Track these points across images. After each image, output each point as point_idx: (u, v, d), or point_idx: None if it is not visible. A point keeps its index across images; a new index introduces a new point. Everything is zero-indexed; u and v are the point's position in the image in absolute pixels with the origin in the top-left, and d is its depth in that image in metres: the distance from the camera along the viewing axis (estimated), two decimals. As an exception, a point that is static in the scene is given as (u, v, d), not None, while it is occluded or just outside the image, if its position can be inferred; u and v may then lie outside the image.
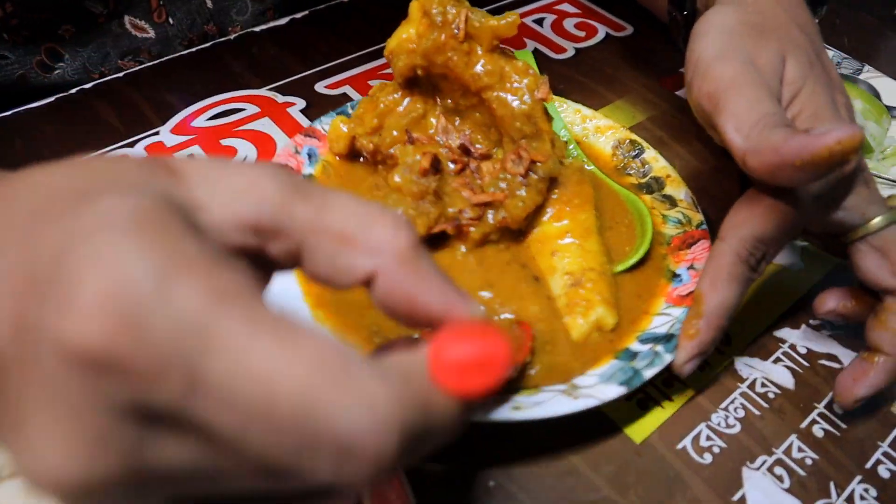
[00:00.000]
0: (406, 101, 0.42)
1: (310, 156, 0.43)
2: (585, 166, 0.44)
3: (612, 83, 0.55)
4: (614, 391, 0.32)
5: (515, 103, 0.39)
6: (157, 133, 0.48)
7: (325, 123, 0.45)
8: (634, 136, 0.47)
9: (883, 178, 0.46)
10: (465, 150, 0.40)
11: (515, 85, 0.39)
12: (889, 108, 0.52)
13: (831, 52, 0.58)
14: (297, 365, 0.15)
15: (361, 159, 0.43)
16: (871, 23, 0.68)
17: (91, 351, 0.14)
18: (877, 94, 0.53)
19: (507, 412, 0.30)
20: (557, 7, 0.64)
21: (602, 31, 0.61)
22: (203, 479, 0.16)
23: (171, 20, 0.56)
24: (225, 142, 0.47)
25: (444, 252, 0.38)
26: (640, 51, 0.59)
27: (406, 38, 0.39)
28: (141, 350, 0.14)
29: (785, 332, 0.39)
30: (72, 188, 0.16)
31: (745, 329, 0.38)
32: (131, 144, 0.47)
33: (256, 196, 0.19)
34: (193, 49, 0.55)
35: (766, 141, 0.29)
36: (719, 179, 0.47)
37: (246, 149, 0.47)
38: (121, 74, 0.52)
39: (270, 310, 0.16)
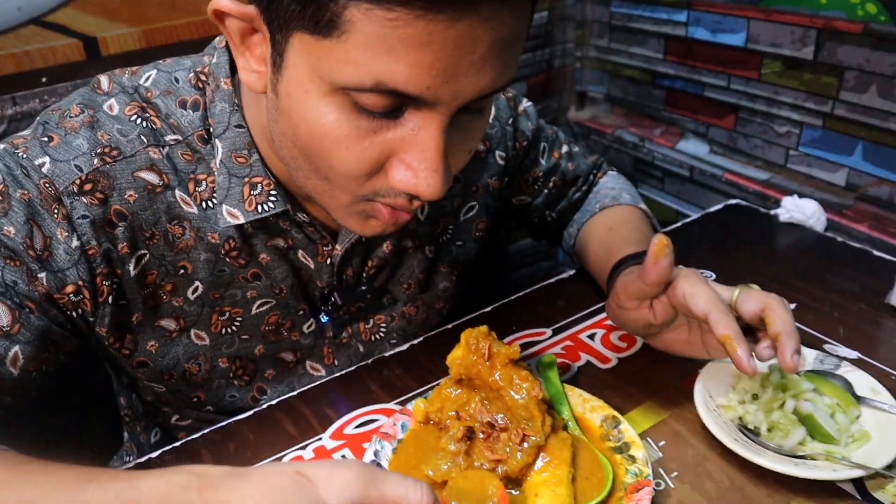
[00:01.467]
0: (457, 391, 0.65)
1: (403, 426, 0.66)
2: (575, 434, 0.64)
3: (645, 386, 0.73)
4: None
5: (518, 398, 0.61)
6: (319, 439, 0.70)
7: (411, 405, 0.68)
8: (615, 413, 0.66)
9: (849, 462, 0.60)
10: (490, 425, 0.62)
11: (519, 387, 0.62)
12: (859, 398, 0.66)
13: (827, 343, 0.75)
14: None
15: (429, 424, 0.66)
16: (865, 311, 0.84)
17: None
18: (849, 386, 0.68)
19: None
20: (607, 322, 0.85)
21: (640, 341, 0.81)
22: None
23: (336, 362, 0.81)
24: (365, 444, 0.69)
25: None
26: (668, 356, 0.78)
27: (455, 356, 0.64)
28: None
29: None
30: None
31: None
32: (303, 447, 0.69)
33: (350, 489, 0.40)
34: (344, 371, 0.80)
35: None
36: (683, 437, 0.63)
37: (378, 445, 0.68)
38: (294, 392, 0.77)
39: None
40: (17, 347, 0.58)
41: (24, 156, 0.60)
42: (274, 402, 0.76)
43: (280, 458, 0.68)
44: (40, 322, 0.60)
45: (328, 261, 0.74)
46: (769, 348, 0.59)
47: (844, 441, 0.63)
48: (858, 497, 0.59)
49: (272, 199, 0.65)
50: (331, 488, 0.40)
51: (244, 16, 0.53)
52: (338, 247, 0.72)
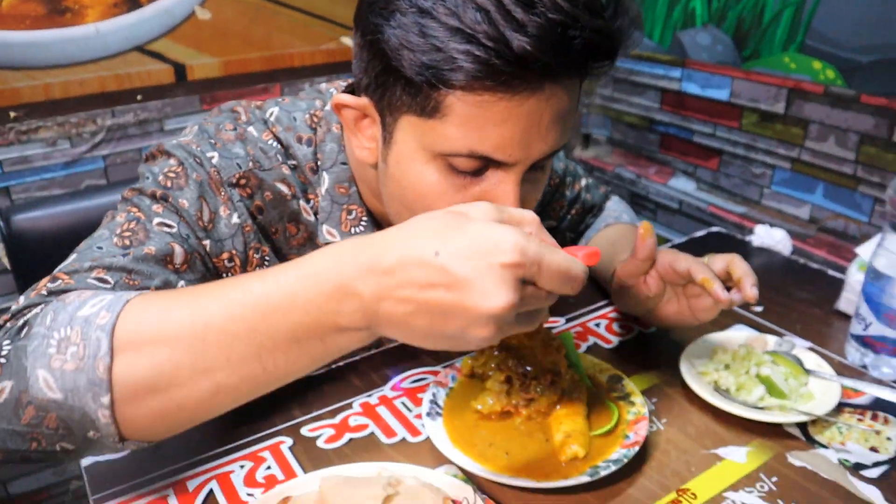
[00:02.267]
0: (497, 351, 0.81)
1: (452, 377, 0.83)
2: (586, 385, 0.81)
3: (640, 361, 0.91)
4: (585, 478, 0.67)
5: (546, 353, 0.78)
6: (381, 390, 0.87)
7: (458, 362, 0.85)
8: (619, 373, 0.83)
9: (797, 411, 0.78)
10: (524, 374, 0.78)
11: (549, 345, 0.79)
12: (808, 371, 0.85)
13: (786, 336, 0.93)
14: (567, 264, 0.50)
15: (473, 377, 0.83)
16: (818, 314, 1.03)
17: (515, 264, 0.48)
18: (800, 362, 0.86)
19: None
20: (610, 315, 1.03)
21: (636, 329, 0.99)
22: (531, 299, 0.50)
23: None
24: (420, 395, 0.86)
25: (508, 422, 0.76)
26: (659, 339, 0.97)
27: None
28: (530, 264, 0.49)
29: None
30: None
31: None
32: (369, 396, 0.86)
33: (489, 214, 0.51)
34: (396, 343, 0.97)
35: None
36: (671, 396, 0.81)
37: (434, 389, 0.85)
38: (358, 358, 0.94)
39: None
40: (182, 282, 0.71)
41: (199, 149, 0.76)
42: (342, 363, 0.93)
43: (350, 404, 0.84)
44: (202, 268, 0.74)
45: None
46: (737, 293, 0.77)
47: (794, 398, 0.81)
48: (804, 438, 0.77)
49: (363, 223, 0.82)
50: (477, 211, 0.50)
51: (359, 106, 0.69)
52: None
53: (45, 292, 0.62)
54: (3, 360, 0.54)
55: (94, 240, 0.70)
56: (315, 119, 0.82)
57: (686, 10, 1.49)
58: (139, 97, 1.30)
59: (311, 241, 0.83)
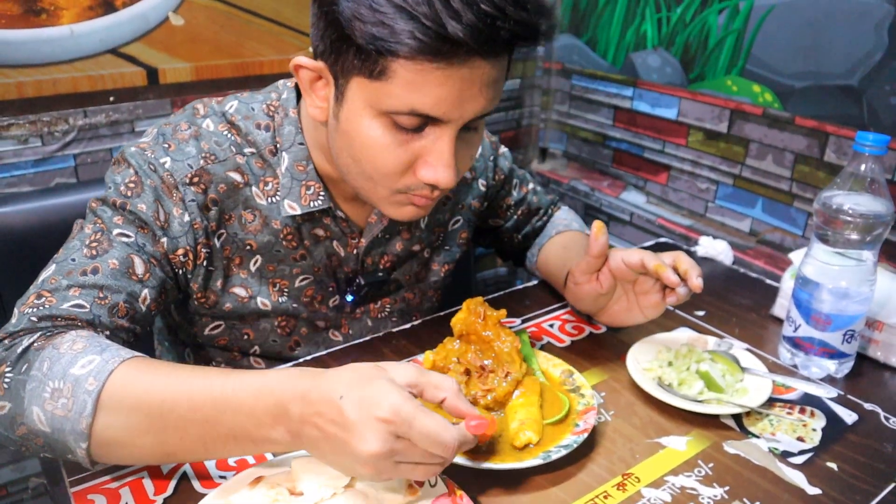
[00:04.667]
0: (457, 344, 0.85)
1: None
2: (540, 379, 0.85)
3: (590, 358, 0.96)
4: (538, 461, 0.71)
5: (504, 347, 0.82)
6: (346, 383, 0.90)
7: (420, 357, 0.88)
8: (571, 367, 0.87)
9: (732, 403, 0.84)
10: (482, 367, 0.82)
11: (504, 340, 0.83)
12: (743, 368, 0.91)
13: (725, 338, 0.99)
14: (437, 429, 0.56)
15: (435, 370, 0.85)
16: (755, 319, 1.09)
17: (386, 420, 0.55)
18: (736, 360, 0.92)
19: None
20: (563, 317, 1.08)
21: (588, 330, 1.04)
22: (407, 453, 0.57)
23: (350, 332, 1.02)
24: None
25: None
26: (608, 339, 1.02)
27: (458, 318, 0.84)
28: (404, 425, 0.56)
29: None
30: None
31: None
32: (333, 389, 0.89)
33: (409, 374, 0.61)
34: (361, 340, 1.00)
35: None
36: (618, 390, 0.86)
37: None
38: (325, 352, 0.97)
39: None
40: (146, 291, 0.78)
41: (152, 156, 0.81)
42: (309, 357, 0.96)
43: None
44: (161, 274, 0.80)
45: (355, 252, 0.95)
46: (683, 286, 0.84)
47: (730, 393, 0.86)
48: (738, 429, 0.82)
49: (321, 198, 0.87)
50: (397, 372, 0.61)
51: (315, 68, 0.76)
52: (363, 239, 0.94)
53: (34, 317, 0.70)
54: (5, 385, 0.65)
55: (68, 251, 0.77)
56: (272, 108, 0.88)
57: (638, 33, 1.56)
58: (112, 98, 1.31)
59: (267, 226, 0.88)
